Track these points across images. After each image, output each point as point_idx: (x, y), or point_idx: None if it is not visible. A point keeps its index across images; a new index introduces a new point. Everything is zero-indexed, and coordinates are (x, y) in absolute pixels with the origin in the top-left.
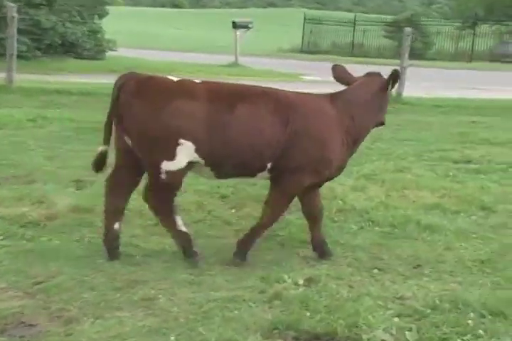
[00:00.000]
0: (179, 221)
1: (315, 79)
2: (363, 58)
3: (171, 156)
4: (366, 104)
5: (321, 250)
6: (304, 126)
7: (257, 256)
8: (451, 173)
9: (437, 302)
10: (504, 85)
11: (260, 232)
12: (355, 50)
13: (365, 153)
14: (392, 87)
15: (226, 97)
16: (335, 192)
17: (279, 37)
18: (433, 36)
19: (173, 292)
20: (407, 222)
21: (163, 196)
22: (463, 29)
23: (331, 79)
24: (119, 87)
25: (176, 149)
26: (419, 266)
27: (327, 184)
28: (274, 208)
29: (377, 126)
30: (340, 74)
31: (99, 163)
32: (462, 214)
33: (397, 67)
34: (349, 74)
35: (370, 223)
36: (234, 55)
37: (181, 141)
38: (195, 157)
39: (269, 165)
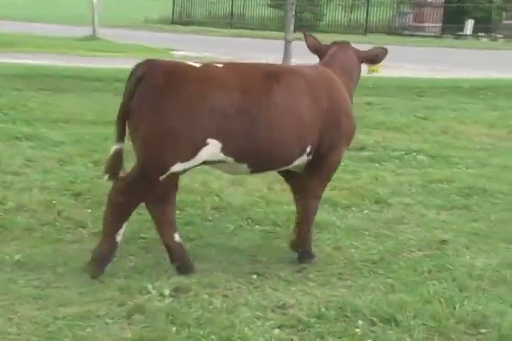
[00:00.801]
0: (122, 230)
1: (188, 54)
2: (244, 30)
3: (189, 157)
4: (351, 73)
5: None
6: (332, 102)
7: (115, 263)
8: (342, 163)
9: (323, 310)
10: (403, 61)
11: (310, 221)
12: (234, 22)
13: None
14: (371, 63)
15: (260, 84)
16: (210, 186)
17: (145, 5)
18: (324, 6)
19: (13, 309)
20: (291, 219)
21: (139, 196)
22: None
23: (206, 54)
24: (139, 77)
25: (200, 150)
26: (304, 269)
27: (200, 178)
28: (317, 192)
29: None
30: (313, 43)
31: (115, 166)
32: (354, 208)
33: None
34: (319, 42)
35: (249, 221)
36: (91, 27)
37: (209, 140)
38: (220, 156)
39: (308, 149)
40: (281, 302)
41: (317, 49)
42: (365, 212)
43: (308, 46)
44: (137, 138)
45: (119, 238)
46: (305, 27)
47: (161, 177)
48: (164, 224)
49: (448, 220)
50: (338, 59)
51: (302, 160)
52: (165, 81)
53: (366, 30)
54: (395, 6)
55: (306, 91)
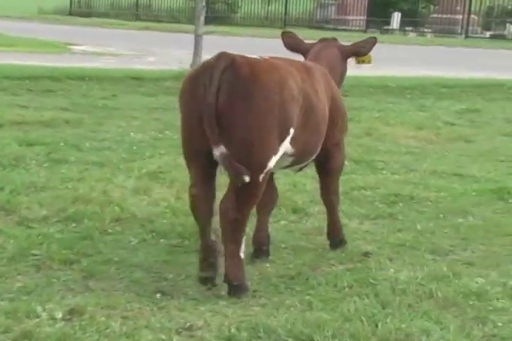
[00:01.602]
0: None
1: (88, 49)
2: (152, 23)
3: (278, 150)
4: (334, 71)
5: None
6: (333, 97)
7: (1, 284)
8: None
9: (234, 331)
10: None
11: (338, 215)
12: (140, 13)
13: (151, 144)
14: (357, 55)
15: (306, 76)
16: (110, 196)
17: None
18: None
19: None
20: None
21: (249, 205)
22: None
23: (110, 49)
24: (223, 70)
25: (285, 141)
26: (214, 286)
27: (100, 186)
28: (335, 187)
29: None
30: (291, 41)
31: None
32: (270, 219)
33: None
34: (301, 40)
35: (154, 234)
36: None
37: (291, 130)
38: (287, 148)
39: (320, 145)
40: (187, 324)
41: (297, 48)
42: (282, 222)
43: (285, 46)
44: (230, 139)
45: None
46: (218, 19)
47: (263, 177)
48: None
49: (371, 230)
50: (322, 57)
51: (312, 158)
52: (251, 73)
53: (285, 23)
54: None
55: (323, 87)
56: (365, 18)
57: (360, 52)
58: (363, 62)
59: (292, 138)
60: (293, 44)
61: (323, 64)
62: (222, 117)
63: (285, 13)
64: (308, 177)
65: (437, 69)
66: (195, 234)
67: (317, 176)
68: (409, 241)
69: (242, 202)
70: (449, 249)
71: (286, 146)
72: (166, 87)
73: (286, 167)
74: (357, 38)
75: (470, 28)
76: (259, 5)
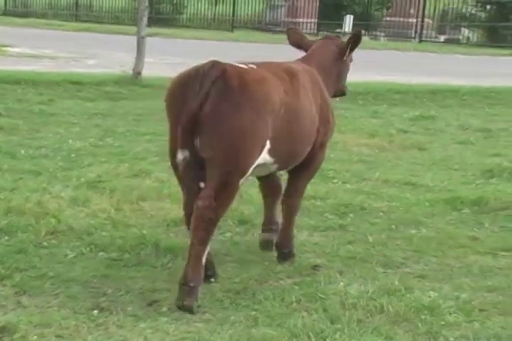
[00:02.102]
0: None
1: (24, 51)
2: (93, 24)
3: (257, 158)
4: (328, 70)
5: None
6: (322, 99)
7: None
8: None
9: None
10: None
11: (294, 220)
12: (80, 13)
13: (90, 152)
14: (351, 51)
15: (290, 83)
16: (46, 207)
17: None
18: None
19: None
20: (142, 245)
21: (226, 206)
22: None
23: (47, 51)
24: (215, 80)
25: (263, 150)
26: (155, 302)
27: (35, 196)
28: (302, 191)
29: (337, 95)
30: (296, 37)
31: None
32: (216, 230)
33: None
34: (304, 36)
35: (93, 247)
36: None
37: (267, 141)
38: (267, 158)
39: (309, 149)
40: None
41: (300, 44)
42: (228, 234)
43: (290, 43)
44: (215, 144)
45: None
46: (163, 21)
47: (242, 182)
48: None
49: (321, 242)
50: (315, 57)
51: (300, 160)
52: (240, 84)
53: (233, 25)
54: None
55: (311, 90)
56: (317, 20)
57: (355, 47)
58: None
59: (270, 150)
60: (297, 40)
61: (313, 63)
62: (209, 124)
63: (233, 15)
64: (255, 187)
65: (391, 75)
66: (135, 246)
67: (295, 174)
68: (360, 254)
69: (220, 203)
70: (401, 262)
71: (263, 157)
72: (107, 91)
73: (273, 172)
74: None
75: (424, 31)
76: (206, 6)
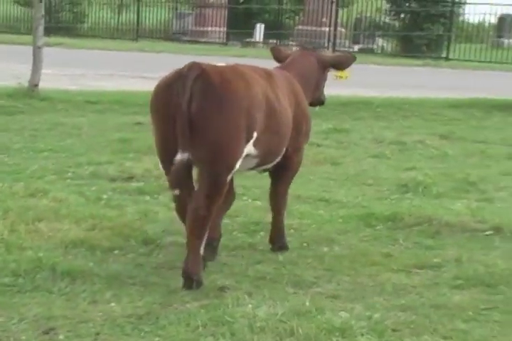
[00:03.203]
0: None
1: None
2: None
3: (243, 152)
4: (308, 79)
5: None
6: (297, 104)
7: None
8: (105, 196)
9: None
10: None
11: (283, 219)
12: None
13: None
14: (335, 68)
15: (268, 82)
16: None
17: None
18: (85, 4)
19: None
20: (37, 268)
21: (216, 202)
22: None
23: None
24: (195, 79)
25: (248, 143)
26: (51, 329)
27: None
28: (285, 190)
29: (315, 104)
30: (279, 54)
31: (181, 179)
32: (117, 251)
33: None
34: (284, 50)
35: None
36: None
37: (254, 133)
38: (251, 150)
39: (284, 149)
40: None
41: (280, 57)
42: (131, 255)
43: (274, 59)
44: (202, 143)
45: (202, 251)
46: (64, 30)
47: (230, 178)
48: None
49: (229, 263)
50: (294, 65)
51: (278, 159)
52: (221, 80)
53: (138, 35)
54: (172, 6)
55: (286, 93)
56: (225, 29)
57: (338, 66)
58: (341, 77)
59: (255, 141)
60: (278, 56)
61: (292, 71)
62: (195, 122)
63: (138, 24)
64: (161, 205)
65: None
66: (30, 270)
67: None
68: (270, 274)
69: (211, 200)
70: (312, 281)
71: (249, 149)
72: (1, 105)
73: (251, 168)
74: (217, 51)
75: (338, 41)
76: (109, 15)
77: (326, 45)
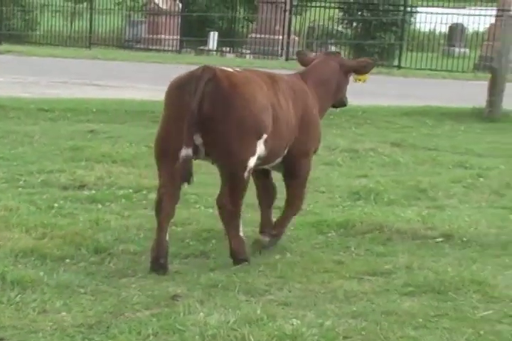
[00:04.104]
0: (241, 225)
1: None
2: None
3: (255, 152)
4: (327, 83)
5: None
6: (304, 111)
7: None
8: (56, 204)
9: None
10: (137, 81)
11: (291, 218)
12: None
13: None
14: (356, 72)
15: (272, 86)
16: None
17: None
18: (37, 12)
19: None
20: None
21: (240, 197)
22: (79, 2)
23: None
24: (207, 81)
25: (260, 143)
26: (1, 339)
27: None
28: (301, 193)
29: (337, 106)
30: (303, 59)
31: (188, 173)
32: (68, 260)
33: None
34: (307, 55)
35: None
36: None
37: (264, 135)
38: (262, 150)
39: (285, 152)
40: None
41: (303, 62)
42: (82, 264)
43: (300, 63)
44: (213, 141)
45: (242, 233)
46: (15, 37)
47: (248, 174)
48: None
49: (181, 271)
50: (313, 70)
51: (278, 160)
52: (231, 83)
53: (91, 42)
54: (125, 14)
55: (291, 98)
56: (179, 37)
57: (361, 71)
58: (359, 80)
59: (265, 143)
60: (302, 60)
61: (311, 76)
62: (206, 123)
63: (90, 32)
64: (113, 214)
65: None
66: None
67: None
68: (222, 282)
69: (235, 196)
70: (264, 289)
71: (261, 149)
72: None
73: (261, 165)
74: (170, 58)
75: (291, 49)
76: (62, 22)
77: (279, 53)
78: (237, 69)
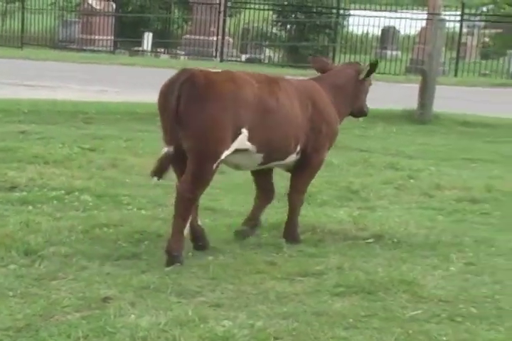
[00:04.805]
0: (188, 222)
1: None
2: None
3: (229, 146)
4: (341, 90)
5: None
6: (315, 110)
7: None
8: None
9: None
10: (70, 81)
11: (297, 215)
12: None
13: None
14: (367, 76)
15: (267, 85)
16: None
17: None
18: None
19: None
20: None
21: (200, 188)
22: (10, 2)
23: None
24: (183, 82)
25: (236, 138)
26: None
27: None
28: (303, 188)
29: (357, 115)
30: (319, 64)
31: (163, 168)
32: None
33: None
34: (327, 62)
35: None
36: None
37: (243, 130)
38: (247, 145)
39: (298, 148)
40: None
41: (324, 69)
42: (12, 266)
43: (314, 68)
44: (189, 135)
45: (186, 232)
46: None
47: (215, 166)
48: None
49: (113, 273)
50: (329, 75)
51: (292, 157)
52: (206, 82)
53: (23, 42)
54: (58, 13)
55: (297, 97)
56: (113, 38)
57: (370, 73)
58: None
59: (249, 137)
60: (321, 66)
61: (326, 81)
62: (183, 119)
63: (22, 31)
64: (44, 215)
65: None
66: None
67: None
68: (154, 284)
69: (197, 185)
70: (196, 291)
71: (243, 144)
72: None
73: (262, 164)
74: (104, 59)
75: (225, 50)
76: None
77: (213, 54)
78: (232, 70)
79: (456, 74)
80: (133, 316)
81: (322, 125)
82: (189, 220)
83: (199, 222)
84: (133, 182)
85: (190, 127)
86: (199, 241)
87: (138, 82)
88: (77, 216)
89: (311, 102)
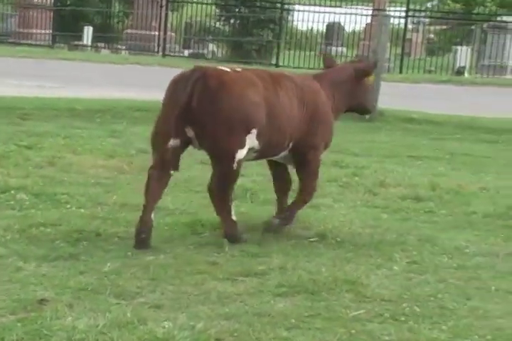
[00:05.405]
0: (233, 209)
1: None
2: None
3: (244, 145)
4: (340, 87)
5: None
6: (312, 105)
7: None
8: None
9: None
10: (7, 76)
11: (301, 207)
12: None
13: None
14: (364, 76)
15: (271, 84)
16: None
17: None
18: None
19: None
20: None
21: (229, 185)
22: None
23: None
24: (196, 80)
25: (251, 137)
26: None
27: None
28: (313, 184)
29: (359, 112)
30: (329, 62)
31: (175, 161)
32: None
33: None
34: (335, 61)
35: None
36: None
37: (254, 130)
38: (255, 143)
39: (290, 145)
40: None
41: (328, 66)
42: None
43: (325, 66)
44: (206, 136)
45: (234, 217)
46: None
47: (236, 165)
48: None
49: (50, 274)
50: (331, 72)
51: (285, 153)
52: (220, 81)
53: None
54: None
55: (296, 96)
56: (51, 32)
57: (370, 73)
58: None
59: (258, 136)
60: (330, 64)
61: (325, 78)
62: (197, 118)
63: None
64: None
65: (131, 91)
66: None
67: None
68: (93, 285)
69: (222, 184)
70: (135, 291)
71: (253, 142)
72: None
73: (253, 160)
74: (42, 53)
75: (168, 45)
76: None
77: (155, 49)
78: (238, 69)
79: (401, 71)
80: (70, 318)
81: (319, 123)
82: (232, 204)
83: (152, 215)
84: (72, 181)
85: (207, 129)
86: (143, 233)
87: (77, 78)
88: (13, 215)
89: (310, 102)
